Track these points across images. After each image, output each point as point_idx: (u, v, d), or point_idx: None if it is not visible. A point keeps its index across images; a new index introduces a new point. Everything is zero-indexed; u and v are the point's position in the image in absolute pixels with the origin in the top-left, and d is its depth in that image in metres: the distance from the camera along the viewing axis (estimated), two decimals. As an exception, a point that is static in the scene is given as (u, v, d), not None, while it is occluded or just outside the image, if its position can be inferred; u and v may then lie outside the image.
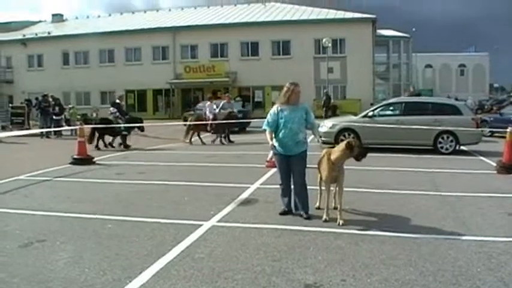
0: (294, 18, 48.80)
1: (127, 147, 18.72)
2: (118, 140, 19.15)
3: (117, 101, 19.94)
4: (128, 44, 50.05)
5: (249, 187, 9.91)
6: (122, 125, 18.67)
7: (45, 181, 11.34)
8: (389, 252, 5.90)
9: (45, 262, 5.63)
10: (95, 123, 19.04)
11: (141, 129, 20.15)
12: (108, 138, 19.24)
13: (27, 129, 26.39)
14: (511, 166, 12.14)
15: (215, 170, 13.10)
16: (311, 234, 6.60)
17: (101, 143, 18.80)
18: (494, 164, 12.84)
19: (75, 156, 14.14)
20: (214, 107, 21.85)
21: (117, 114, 19.02)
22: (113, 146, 19.10)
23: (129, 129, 19.16)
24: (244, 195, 9.22)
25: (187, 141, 20.48)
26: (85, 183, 11.12)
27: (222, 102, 22.94)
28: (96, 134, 18.49)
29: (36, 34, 54.58)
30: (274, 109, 7.64)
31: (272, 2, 56.16)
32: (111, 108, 19.50)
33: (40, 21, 63.78)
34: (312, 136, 8.01)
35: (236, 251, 5.98)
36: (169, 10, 61.41)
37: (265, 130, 7.71)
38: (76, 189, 10.33)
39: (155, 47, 50.20)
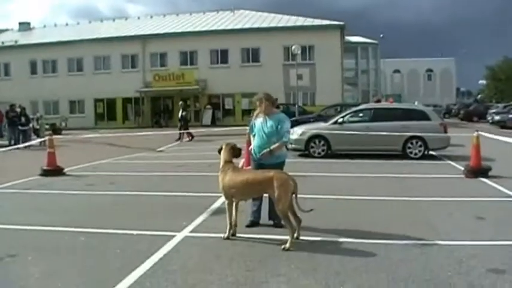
0: (263, 25, 48.90)
1: None
2: None
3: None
4: (97, 53, 49.61)
5: (220, 196, 9.88)
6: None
7: (14, 193, 11.15)
8: (361, 259, 5.97)
9: (17, 277, 5.55)
10: None
11: None
12: None
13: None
14: (478, 170, 12.34)
15: (186, 180, 13.06)
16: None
17: None
18: (462, 168, 13.06)
19: (45, 168, 13.95)
20: None
21: None
22: None
23: None
24: (216, 204, 9.19)
25: None
26: (55, 195, 10.96)
27: None
28: None
29: (2, 43, 53.79)
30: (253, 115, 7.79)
31: (241, 10, 56.21)
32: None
33: (7, 30, 62.70)
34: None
35: (209, 261, 5.98)
36: (138, 18, 60.97)
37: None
38: (46, 202, 10.20)
39: (124, 55, 49.87)
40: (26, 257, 6.29)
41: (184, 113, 28.12)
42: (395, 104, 22.13)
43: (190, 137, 27.37)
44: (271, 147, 7.27)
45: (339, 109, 29.18)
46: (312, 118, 26.71)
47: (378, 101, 26.92)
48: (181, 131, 27.25)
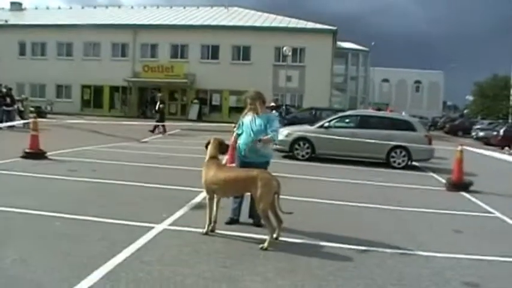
0: (256, 24, 48.93)
1: None
2: None
3: None
4: (88, 39, 49.17)
5: (202, 191, 9.83)
6: None
7: (-8, 174, 10.99)
8: (339, 263, 5.97)
9: (-13, 261, 5.47)
10: None
11: None
12: None
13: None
14: (460, 184, 12.43)
15: (169, 172, 13.00)
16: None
17: None
18: (444, 181, 13.15)
19: (27, 150, 13.79)
20: None
21: None
22: None
23: None
24: (197, 199, 9.16)
25: None
26: (35, 178, 10.78)
27: None
28: None
29: (-8, 21, 53.15)
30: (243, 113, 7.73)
31: (235, 7, 56.14)
32: None
33: (-3, 9, 62.11)
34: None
35: (187, 255, 5.95)
36: (132, 7, 60.88)
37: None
38: (24, 184, 10.06)
39: (115, 43, 49.61)
40: (0, 239, 6.20)
41: (161, 106, 27.92)
42: (382, 113, 22.21)
43: (159, 131, 27.03)
44: (262, 137, 7.20)
45: (313, 112, 29.93)
46: (288, 119, 26.92)
47: (378, 109, 27.57)
48: (163, 124, 27.10)
